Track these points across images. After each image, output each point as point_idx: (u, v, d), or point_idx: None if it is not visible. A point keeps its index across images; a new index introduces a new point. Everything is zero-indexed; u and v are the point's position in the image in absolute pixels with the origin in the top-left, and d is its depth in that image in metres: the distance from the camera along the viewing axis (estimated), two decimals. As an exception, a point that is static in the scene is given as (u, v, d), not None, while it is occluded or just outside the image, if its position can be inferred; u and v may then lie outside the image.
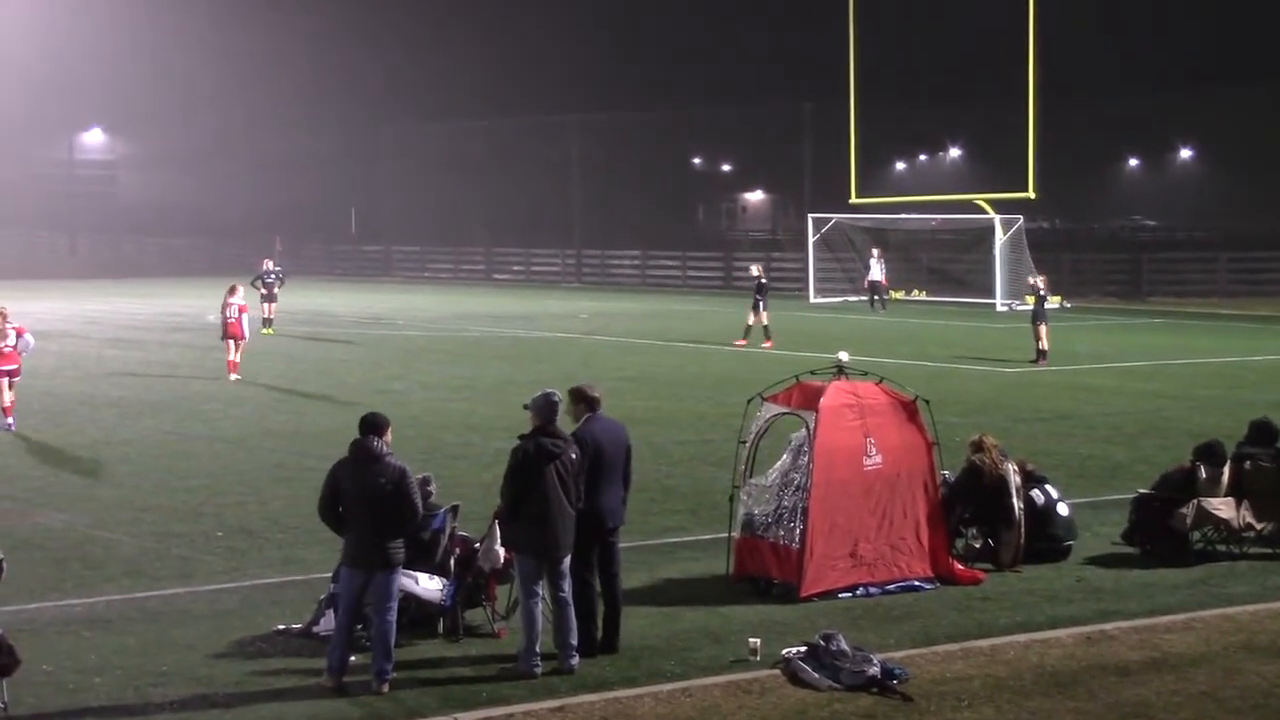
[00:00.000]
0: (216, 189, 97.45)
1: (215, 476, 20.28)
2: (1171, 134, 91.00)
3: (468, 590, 13.27)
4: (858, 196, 57.96)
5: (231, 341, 31.21)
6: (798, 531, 14.32)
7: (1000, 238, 55.56)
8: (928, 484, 14.83)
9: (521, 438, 12.48)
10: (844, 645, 12.15)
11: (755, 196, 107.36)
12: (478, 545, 13.35)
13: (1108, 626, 13.51)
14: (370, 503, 11.85)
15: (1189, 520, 15.92)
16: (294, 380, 31.12)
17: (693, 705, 11.53)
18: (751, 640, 12.65)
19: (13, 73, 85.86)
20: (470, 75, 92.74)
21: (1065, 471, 20.19)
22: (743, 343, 38.50)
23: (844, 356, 15.31)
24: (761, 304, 39.14)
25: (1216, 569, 15.66)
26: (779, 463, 14.83)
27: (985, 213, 57.06)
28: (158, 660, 12.40)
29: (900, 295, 57.39)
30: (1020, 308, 48.87)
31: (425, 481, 13.15)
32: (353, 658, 12.03)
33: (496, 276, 76.03)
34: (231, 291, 31.91)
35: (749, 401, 15.35)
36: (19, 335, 24.77)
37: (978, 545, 15.80)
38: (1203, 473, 16.01)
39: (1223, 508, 15.98)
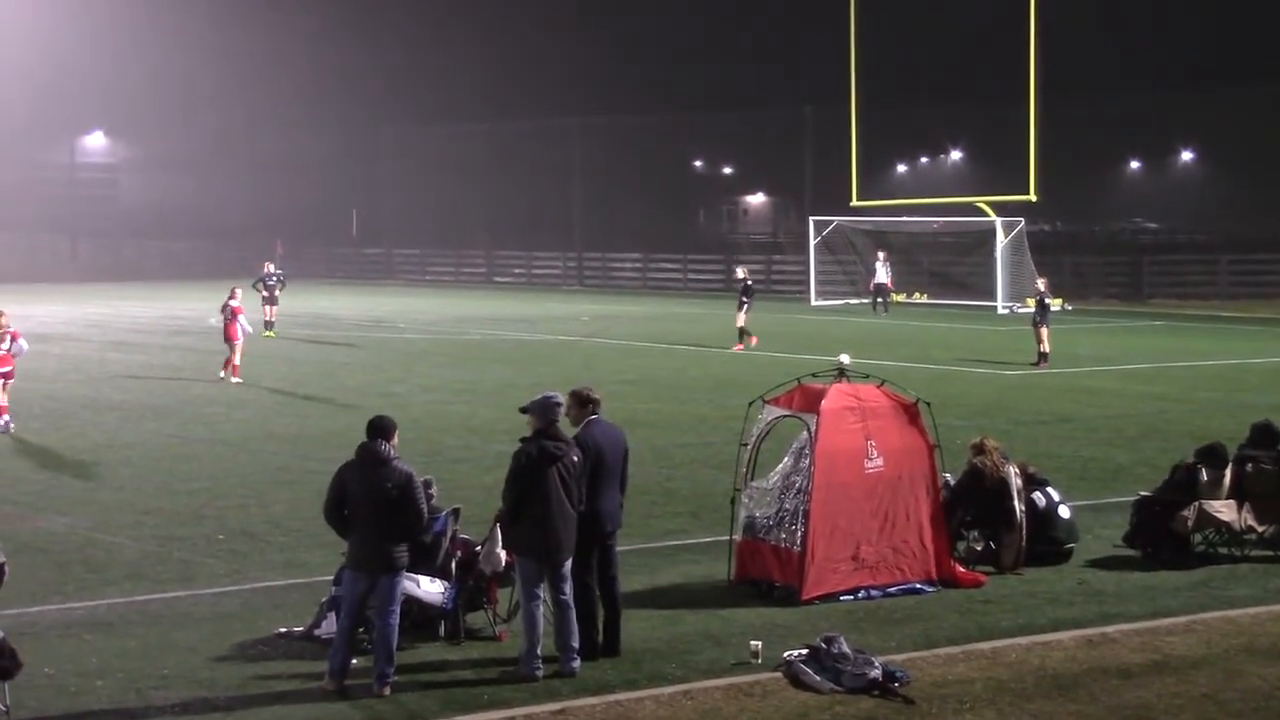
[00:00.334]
0: (218, 192, 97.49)
1: (217, 479, 20.29)
2: (1172, 136, 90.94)
3: (469, 593, 13.28)
4: (859, 199, 57.96)
5: (228, 344, 31.37)
6: (799, 534, 14.32)
7: (1001, 240, 55.58)
8: (929, 487, 14.83)
9: (523, 441, 12.49)
10: (845, 648, 12.15)
11: (756, 199, 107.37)
12: (479, 548, 13.36)
13: (1109, 629, 13.51)
14: (376, 506, 11.85)
15: (1190, 523, 15.92)
16: (295, 383, 31.13)
17: (694, 708, 11.53)
18: (753, 643, 12.65)
19: (14, 76, 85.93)
20: (471, 78, 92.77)
21: (1066, 474, 20.19)
22: (740, 347, 38.46)
23: (845, 359, 15.31)
24: (746, 306, 39.12)
25: (1218, 571, 15.65)
26: (780, 465, 14.83)
27: (986, 215, 57.06)
28: (159, 663, 12.40)
29: (901, 298, 57.39)
30: (1022, 310, 48.88)
31: (427, 485, 13.14)
32: (354, 661, 12.04)
33: (497, 279, 76.05)
34: (230, 295, 32.02)
35: (750, 404, 15.35)
36: (14, 339, 24.78)
37: (979, 548, 15.80)
38: (1204, 475, 16.01)
39: (1224, 510, 15.98)
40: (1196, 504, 15.91)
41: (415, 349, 39.20)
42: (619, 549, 13.33)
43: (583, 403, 13.02)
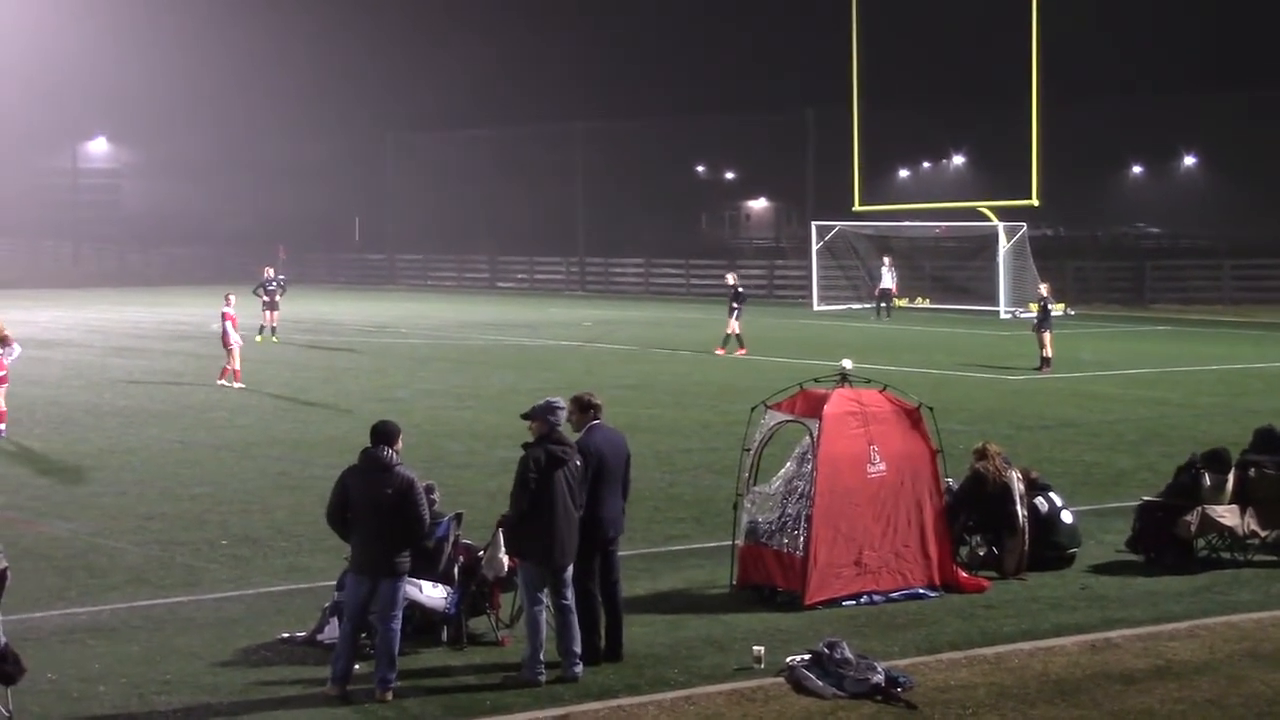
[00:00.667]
0: (220, 198, 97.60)
1: (219, 484, 20.29)
2: (1175, 141, 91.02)
3: (472, 598, 13.28)
4: (861, 204, 57.96)
5: (226, 350, 31.45)
6: (802, 539, 14.32)
7: (1004, 245, 55.58)
8: (932, 492, 14.83)
9: (526, 446, 12.49)
10: (848, 653, 12.15)
11: (758, 204, 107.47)
12: (481, 553, 13.36)
13: (1112, 634, 13.50)
14: (378, 511, 11.86)
15: (1193, 528, 15.92)
16: (298, 388, 31.14)
17: (696, 713, 11.53)
18: (756, 648, 12.65)
19: (17, 82, 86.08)
20: (474, 83, 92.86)
21: (1069, 479, 20.18)
22: (742, 351, 38.37)
23: (847, 364, 15.31)
24: (737, 312, 38.96)
25: (1221, 576, 15.64)
26: (783, 470, 14.83)
27: (989, 220, 57.06)
28: (162, 668, 12.40)
29: (904, 303, 57.38)
30: (1024, 315, 48.88)
31: (429, 490, 13.14)
32: (356, 666, 12.04)
33: (500, 285, 76.09)
34: (225, 300, 32.06)
35: (753, 409, 15.36)
36: (6, 344, 24.80)
37: (982, 553, 15.79)
38: (1207, 480, 16.00)
39: (1227, 515, 15.97)
40: (1199, 509, 15.91)
41: (418, 354, 39.21)
42: (621, 554, 13.33)
43: (584, 408, 13.01)
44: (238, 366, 31.38)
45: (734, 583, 14.87)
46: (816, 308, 58.99)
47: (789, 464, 14.79)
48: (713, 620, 13.87)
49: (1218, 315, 54.89)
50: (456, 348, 41.34)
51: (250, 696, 11.83)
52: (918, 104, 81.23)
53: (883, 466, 14.53)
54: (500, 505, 13.02)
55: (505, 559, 13.06)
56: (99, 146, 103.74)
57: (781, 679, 12.15)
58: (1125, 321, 52.18)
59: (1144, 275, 61.98)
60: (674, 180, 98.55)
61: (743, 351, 38.24)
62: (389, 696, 11.76)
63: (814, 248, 60.90)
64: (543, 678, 12.16)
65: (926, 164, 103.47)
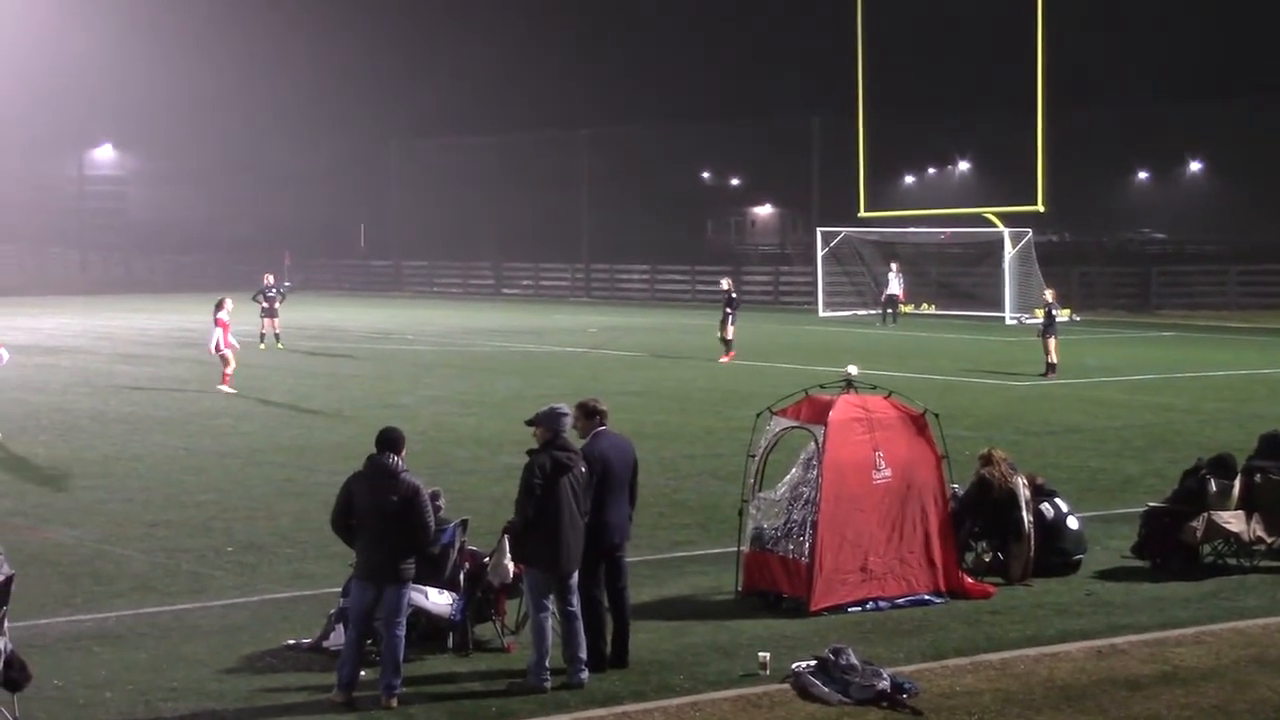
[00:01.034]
0: (226, 205, 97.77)
1: (225, 491, 20.30)
2: (1181, 146, 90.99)
3: (477, 605, 13.28)
4: (866, 210, 57.97)
5: (220, 357, 31.51)
6: (807, 545, 14.31)
7: (1009, 251, 55.57)
8: (937, 497, 14.82)
9: (532, 453, 12.49)
10: (853, 659, 12.14)
11: (764, 210, 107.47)
12: (487, 560, 13.36)
13: (1118, 640, 13.49)
14: (383, 518, 11.86)
15: (1199, 533, 15.90)
16: (303, 395, 31.16)
17: (702, 719, 11.52)
18: (761, 654, 12.65)
19: (23, 89, 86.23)
20: (478, 89, 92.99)
21: (1075, 485, 20.17)
22: (724, 358, 38.14)
23: (853, 370, 15.30)
24: (731, 317, 38.87)
25: (1227, 582, 15.62)
26: (788, 476, 14.82)
27: (994, 226, 57.06)
28: (168, 675, 12.41)
29: (910, 309, 57.37)
30: (1030, 321, 48.86)
31: (434, 496, 13.16)
32: (362, 673, 12.04)
33: (505, 291, 76.12)
34: (219, 306, 32.02)
35: (758, 415, 15.35)
36: None
37: (987, 559, 15.79)
38: (1213, 486, 15.99)
39: (1233, 521, 15.95)
40: (1205, 515, 15.89)
41: (423, 361, 39.22)
42: (627, 560, 13.32)
43: (589, 414, 13.01)
44: (229, 370, 31.41)
45: (739, 589, 14.86)
46: (822, 314, 58.99)
47: (794, 470, 14.78)
48: (718, 626, 13.87)
49: (1223, 321, 54.84)
50: (461, 354, 41.36)
51: (256, 703, 11.84)
52: (923, 109, 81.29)
53: (888, 472, 14.53)
54: (505, 511, 13.02)
55: (510, 565, 13.06)
56: (105, 154, 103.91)
57: (787, 685, 12.14)
58: (1131, 327, 52.15)
59: (1150, 281, 61.94)
60: (679, 186, 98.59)
61: (728, 358, 38.09)
62: (394, 703, 11.76)
63: (819, 254, 60.91)
64: (548, 684, 12.15)
65: (932, 170, 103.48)
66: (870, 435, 14.52)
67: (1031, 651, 13.12)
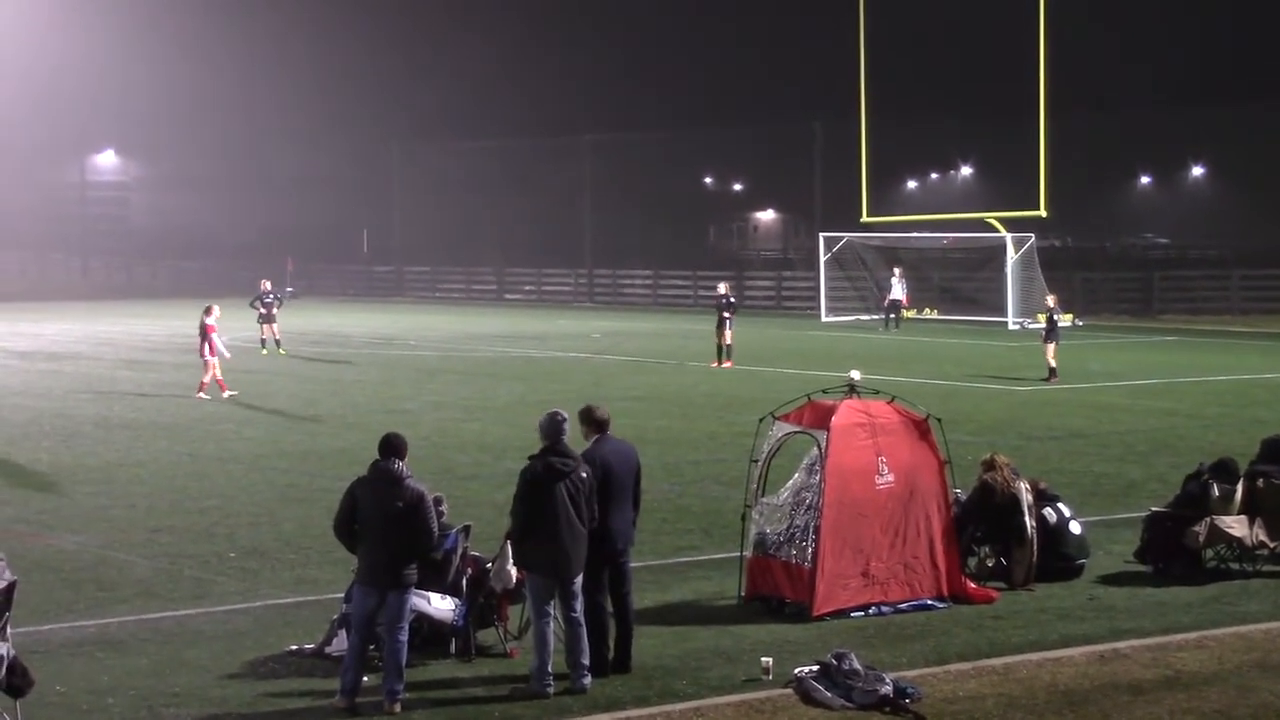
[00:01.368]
0: (228, 211, 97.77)
1: (228, 497, 20.32)
2: (1183, 151, 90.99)
3: (480, 610, 13.29)
4: (869, 215, 57.98)
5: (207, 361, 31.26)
6: (810, 550, 14.32)
7: (1012, 256, 55.56)
8: (940, 503, 14.83)
9: (530, 458, 12.51)
10: (856, 664, 12.14)
11: (766, 216, 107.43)
12: (490, 565, 13.37)
13: (1120, 645, 13.49)
14: (386, 524, 11.87)
15: (1202, 538, 15.89)
16: (306, 401, 31.17)
17: (705, 725, 11.54)
18: (764, 659, 12.65)
19: (26, 95, 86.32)
20: (481, 95, 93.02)
21: (1078, 490, 20.17)
22: (730, 364, 38.10)
23: (856, 375, 15.31)
24: (728, 323, 38.67)
25: (1229, 587, 15.62)
26: (791, 481, 14.82)
27: (997, 231, 57.06)
28: (171, 681, 12.42)
29: (912, 314, 57.36)
30: (1033, 326, 48.86)
31: (437, 501, 13.16)
32: (365, 678, 12.05)
33: (508, 296, 76.12)
34: (207, 312, 31.78)
35: (761, 420, 15.36)
36: None
37: (990, 564, 15.79)
38: (1215, 490, 15.99)
39: (1235, 526, 15.95)
40: (1208, 519, 15.88)
41: (426, 366, 39.23)
42: (630, 565, 13.32)
43: (591, 420, 13.02)
44: (205, 379, 31.24)
45: (742, 594, 14.87)
46: (824, 319, 58.99)
47: (797, 475, 14.78)
48: (721, 631, 13.87)
49: (1226, 325, 54.82)
50: (464, 360, 41.37)
51: (259, 709, 11.84)
52: (925, 114, 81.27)
53: (891, 478, 14.53)
54: (508, 517, 13.01)
55: (513, 571, 13.07)
56: (107, 159, 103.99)
57: (790, 690, 12.15)
58: (1133, 332, 52.13)
59: (1152, 286, 61.91)
60: (682, 191, 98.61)
61: (717, 364, 38.06)
62: (397, 708, 11.77)
63: (822, 259, 60.91)
64: (551, 689, 12.16)
65: (934, 175, 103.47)
66: (873, 440, 14.53)
67: (1034, 656, 13.13)
